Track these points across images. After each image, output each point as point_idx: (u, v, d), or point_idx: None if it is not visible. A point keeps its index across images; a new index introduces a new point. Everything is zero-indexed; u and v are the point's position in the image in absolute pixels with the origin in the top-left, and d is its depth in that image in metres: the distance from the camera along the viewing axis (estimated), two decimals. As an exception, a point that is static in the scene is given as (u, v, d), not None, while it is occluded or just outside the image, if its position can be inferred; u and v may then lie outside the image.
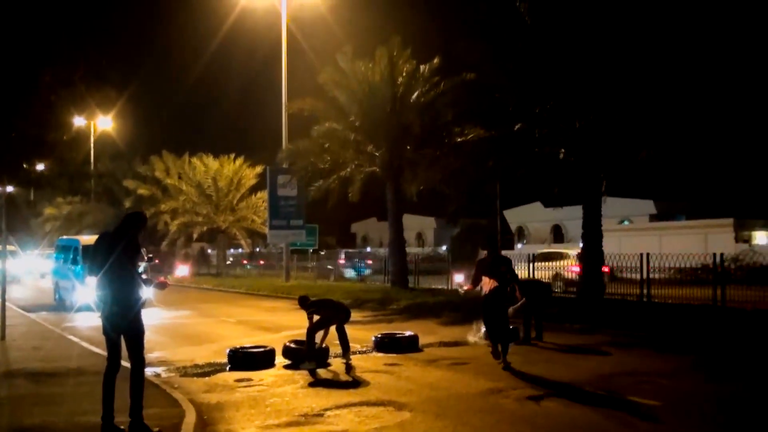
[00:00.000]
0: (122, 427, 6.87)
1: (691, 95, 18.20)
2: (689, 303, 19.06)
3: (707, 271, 20.76)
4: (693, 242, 34.75)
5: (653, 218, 49.54)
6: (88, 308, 19.04)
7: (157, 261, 37.17)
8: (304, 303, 12.13)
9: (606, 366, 11.42)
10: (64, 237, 30.43)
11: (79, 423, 7.30)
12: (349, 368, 11.35)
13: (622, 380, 10.13)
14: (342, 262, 40.55)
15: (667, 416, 8.15)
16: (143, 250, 9.00)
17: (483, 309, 11.57)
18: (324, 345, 11.91)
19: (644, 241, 35.64)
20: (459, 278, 8.41)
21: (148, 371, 10.56)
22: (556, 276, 25.62)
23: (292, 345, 12.05)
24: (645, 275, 20.70)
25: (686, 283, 21.04)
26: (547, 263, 25.65)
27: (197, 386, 10.11)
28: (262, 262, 52.61)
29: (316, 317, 11.84)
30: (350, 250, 47.32)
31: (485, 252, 11.98)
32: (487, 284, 11.40)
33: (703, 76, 18.18)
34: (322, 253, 45.71)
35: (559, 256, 27.64)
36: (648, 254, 20.92)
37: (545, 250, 30.77)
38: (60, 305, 23.33)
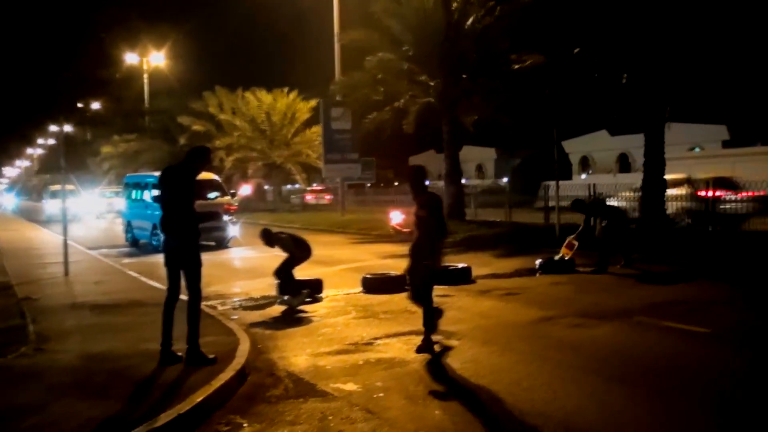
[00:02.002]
0: (180, 353, 7.44)
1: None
2: (758, 231, 18.92)
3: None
4: None
5: (726, 144, 48.44)
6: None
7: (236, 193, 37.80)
8: (268, 238, 12.24)
9: (660, 295, 11.64)
10: (136, 173, 30.86)
11: (141, 349, 7.92)
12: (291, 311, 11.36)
13: (674, 308, 10.36)
14: None
15: (713, 342, 8.42)
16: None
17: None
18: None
19: (716, 169, 34.96)
20: (395, 218, 7.94)
21: (205, 304, 11.23)
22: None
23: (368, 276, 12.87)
24: (711, 204, 20.56)
25: (759, 212, 20.76)
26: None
27: (252, 317, 10.71)
28: (328, 197, 52.40)
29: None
30: None
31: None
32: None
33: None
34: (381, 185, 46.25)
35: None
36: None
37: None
38: (133, 245, 23.79)
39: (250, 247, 21.71)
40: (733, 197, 20.93)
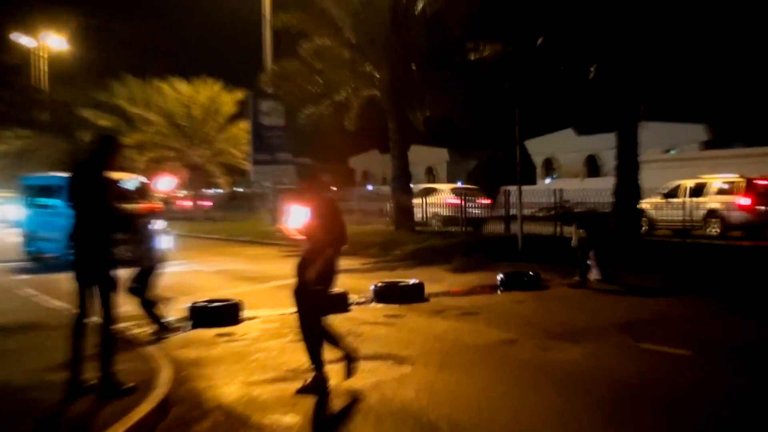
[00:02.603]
0: (92, 382, 7.35)
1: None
2: (740, 244, 19.53)
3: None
4: (750, 173, 34.96)
5: (705, 146, 49.70)
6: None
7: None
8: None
9: (635, 312, 11.94)
10: (37, 174, 29.94)
11: (44, 379, 7.77)
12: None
13: (653, 328, 10.66)
14: None
15: (698, 366, 8.68)
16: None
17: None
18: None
19: (693, 173, 35.86)
20: (294, 218, 7.61)
21: (118, 326, 11.09)
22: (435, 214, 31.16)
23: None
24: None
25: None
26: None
27: (172, 342, 10.62)
28: (207, 204, 52.62)
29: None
30: None
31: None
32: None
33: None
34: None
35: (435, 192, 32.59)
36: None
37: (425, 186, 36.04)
38: (35, 260, 23.06)
39: (182, 261, 21.54)
40: (474, 204, 29.13)
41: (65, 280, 7.61)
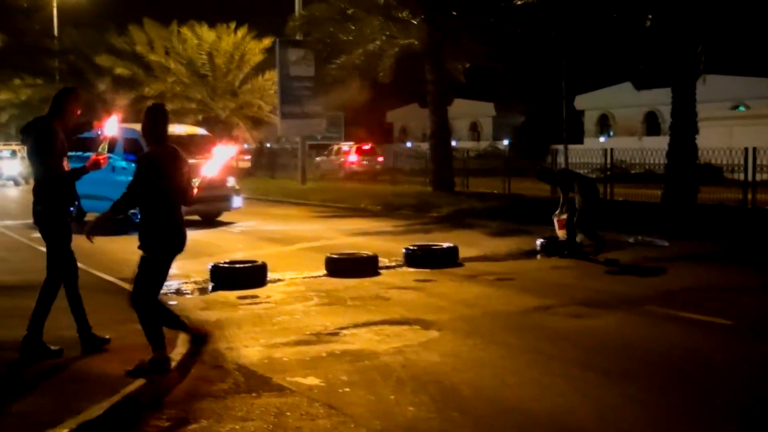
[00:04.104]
0: (107, 337, 8.13)
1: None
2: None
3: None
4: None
5: (776, 103, 49.21)
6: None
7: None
8: None
9: (679, 281, 12.37)
10: None
11: (60, 336, 8.37)
12: None
13: (693, 297, 11.07)
14: None
15: (736, 336, 9.12)
16: None
17: None
18: None
19: (764, 132, 35.66)
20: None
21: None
22: None
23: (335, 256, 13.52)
24: (750, 175, 21.33)
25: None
26: None
27: (194, 303, 11.23)
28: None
29: None
30: None
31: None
32: None
33: None
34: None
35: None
36: (755, 149, 21.47)
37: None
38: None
39: (240, 222, 22.16)
40: None
41: (81, 239, 8.05)
